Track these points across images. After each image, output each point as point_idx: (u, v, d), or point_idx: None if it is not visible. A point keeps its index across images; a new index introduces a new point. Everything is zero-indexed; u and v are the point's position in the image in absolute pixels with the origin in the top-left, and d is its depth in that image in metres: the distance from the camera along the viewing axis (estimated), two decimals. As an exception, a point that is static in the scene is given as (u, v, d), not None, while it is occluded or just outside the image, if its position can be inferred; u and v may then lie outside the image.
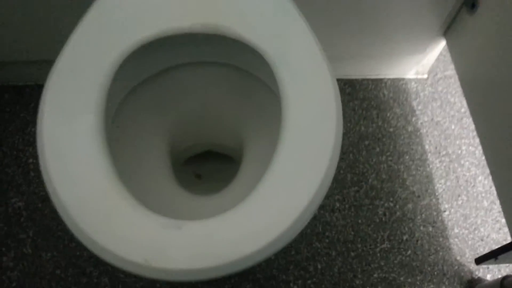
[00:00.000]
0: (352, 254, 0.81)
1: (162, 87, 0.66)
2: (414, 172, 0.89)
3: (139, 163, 0.62)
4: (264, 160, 0.59)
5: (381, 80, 0.99)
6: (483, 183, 0.89)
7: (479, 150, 0.92)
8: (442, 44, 0.93)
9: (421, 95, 0.98)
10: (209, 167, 0.81)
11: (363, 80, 0.98)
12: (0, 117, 0.89)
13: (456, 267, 0.81)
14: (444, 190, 0.88)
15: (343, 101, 0.96)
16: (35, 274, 0.76)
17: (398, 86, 0.99)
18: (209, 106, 0.71)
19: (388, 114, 0.95)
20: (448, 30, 0.92)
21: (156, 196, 0.60)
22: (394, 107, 0.96)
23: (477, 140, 0.93)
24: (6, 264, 0.77)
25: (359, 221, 0.84)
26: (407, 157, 0.91)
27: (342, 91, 0.96)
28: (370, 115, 0.95)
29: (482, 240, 0.84)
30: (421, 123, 0.95)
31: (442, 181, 0.89)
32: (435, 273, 0.80)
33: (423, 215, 0.85)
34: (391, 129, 0.93)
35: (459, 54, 0.90)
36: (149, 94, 0.65)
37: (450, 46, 0.93)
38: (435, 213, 0.85)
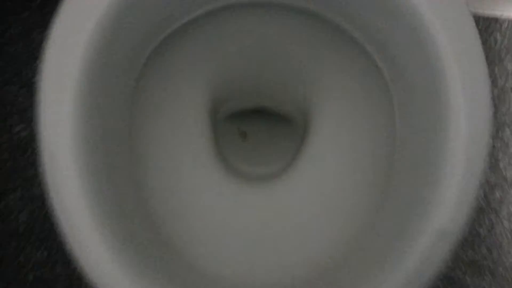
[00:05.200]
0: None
1: (204, 35, 0.46)
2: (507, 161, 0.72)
3: (171, 132, 0.46)
4: (338, 143, 0.47)
5: (495, 19, 0.75)
6: None
7: None
8: None
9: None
10: (257, 123, 0.63)
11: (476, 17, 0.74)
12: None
13: (534, 274, 0.70)
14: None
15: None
16: (45, 219, 0.65)
17: (516, 30, 0.75)
18: (268, 63, 0.51)
19: (496, 70, 0.74)
20: None
21: (193, 185, 0.45)
22: (506, 60, 0.74)
23: None
24: (13, 203, 0.65)
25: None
26: (508, 131, 0.72)
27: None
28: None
29: None
30: (535, 86, 0.74)
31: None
32: (509, 279, 0.69)
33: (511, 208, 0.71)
34: (496, 91, 0.73)
35: None
36: (186, 46, 0.46)
37: None
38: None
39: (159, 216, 0.40)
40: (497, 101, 0.73)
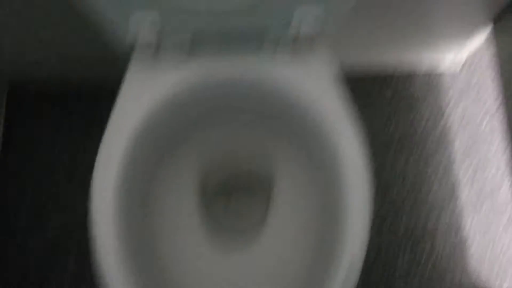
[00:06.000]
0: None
1: (195, 141, 0.63)
2: (437, 186, 0.84)
3: (174, 211, 0.61)
4: (293, 206, 0.62)
5: (412, 75, 0.88)
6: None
7: (507, 154, 0.87)
8: (486, 30, 0.80)
9: (451, 91, 0.88)
10: (237, 199, 0.76)
11: (394, 74, 0.87)
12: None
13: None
14: (465, 201, 0.85)
15: (371, 101, 0.86)
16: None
17: (430, 82, 0.88)
18: (241, 153, 0.68)
19: (421, 112, 0.86)
20: (499, 14, 0.78)
21: (186, 258, 0.59)
22: (424, 106, 0.87)
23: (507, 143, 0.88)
24: None
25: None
26: (434, 162, 0.85)
27: (372, 90, 0.85)
28: (398, 115, 0.86)
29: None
30: (451, 124, 0.87)
31: (466, 189, 0.85)
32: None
33: (444, 229, 0.83)
34: (420, 130, 0.85)
35: (506, 42, 0.79)
36: (187, 151, 0.62)
37: (498, 31, 0.81)
38: (454, 229, 0.83)
39: (167, 271, 0.57)
40: (422, 140, 0.85)
